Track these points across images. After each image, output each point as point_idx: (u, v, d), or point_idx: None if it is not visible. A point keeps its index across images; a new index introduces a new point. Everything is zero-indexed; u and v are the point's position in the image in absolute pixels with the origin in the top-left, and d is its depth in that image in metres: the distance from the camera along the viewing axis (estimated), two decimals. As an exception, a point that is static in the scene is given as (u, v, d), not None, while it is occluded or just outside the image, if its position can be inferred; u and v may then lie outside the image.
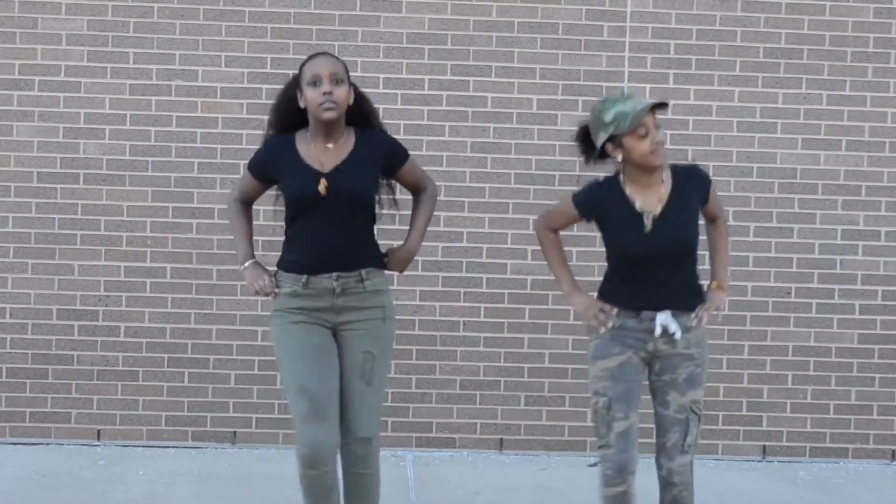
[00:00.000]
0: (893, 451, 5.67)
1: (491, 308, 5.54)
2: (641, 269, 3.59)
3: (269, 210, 4.05)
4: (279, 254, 3.81)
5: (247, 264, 3.78)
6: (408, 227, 3.95)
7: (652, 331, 3.58)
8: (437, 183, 5.43)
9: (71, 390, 5.48)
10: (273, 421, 5.48)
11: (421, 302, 5.52)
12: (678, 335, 3.58)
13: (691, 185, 3.66)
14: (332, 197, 3.63)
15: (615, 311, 3.61)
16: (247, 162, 3.90)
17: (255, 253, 3.84)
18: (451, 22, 5.50)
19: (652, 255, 3.56)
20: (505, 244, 5.51)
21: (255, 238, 3.91)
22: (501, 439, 5.59)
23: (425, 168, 5.41)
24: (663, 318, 3.57)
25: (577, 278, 3.81)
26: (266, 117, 3.91)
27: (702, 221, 3.77)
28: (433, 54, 5.50)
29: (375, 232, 3.83)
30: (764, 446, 5.64)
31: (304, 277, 3.67)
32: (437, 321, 5.54)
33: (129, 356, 5.48)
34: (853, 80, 5.59)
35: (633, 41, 5.54)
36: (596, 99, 5.37)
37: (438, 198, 5.39)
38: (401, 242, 3.91)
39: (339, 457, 3.76)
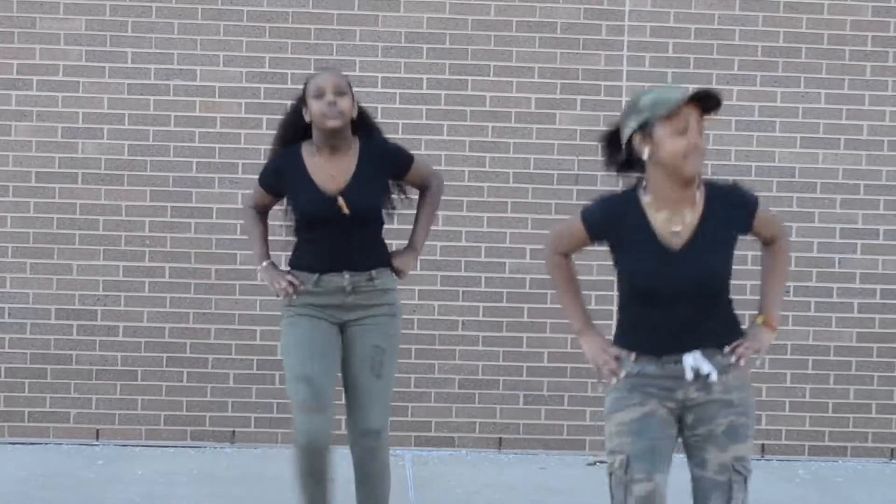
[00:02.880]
0: (892, 449, 5.66)
1: (490, 307, 5.54)
2: (660, 306, 2.96)
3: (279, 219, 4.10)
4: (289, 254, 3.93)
5: (264, 264, 3.88)
6: (412, 225, 4.05)
7: (679, 376, 2.94)
8: (436, 182, 5.49)
9: (69, 390, 5.47)
10: (272, 420, 5.48)
11: (420, 301, 5.52)
12: (713, 377, 2.94)
13: (730, 211, 3.05)
14: (341, 215, 3.73)
15: (632, 356, 2.99)
16: (257, 176, 3.99)
17: (270, 254, 3.95)
18: (449, 21, 5.49)
19: (672, 291, 2.94)
20: (503, 243, 5.51)
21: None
22: (500, 438, 5.59)
23: (424, 167, 5.49)
24: (691, 361, 2.95)
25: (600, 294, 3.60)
26: (274, 135, 4.02)
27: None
28: (431, 53, 5.50)
29: (383, 233, 3.93)
30: (763, 445, 5.63)
31: (316, 276, 3.77)
32: (436, 320, 5.54)
33: (127, 356, 5.47)
34: (852, 79, 5.59)
35: (632, 40, 5.54)
36: (594, 98, 5.47)
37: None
38: (405, 243, 4.00)
39: (337, 448, 3.84)
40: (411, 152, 4.00)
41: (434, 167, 5.41)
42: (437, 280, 5.53)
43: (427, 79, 5.50)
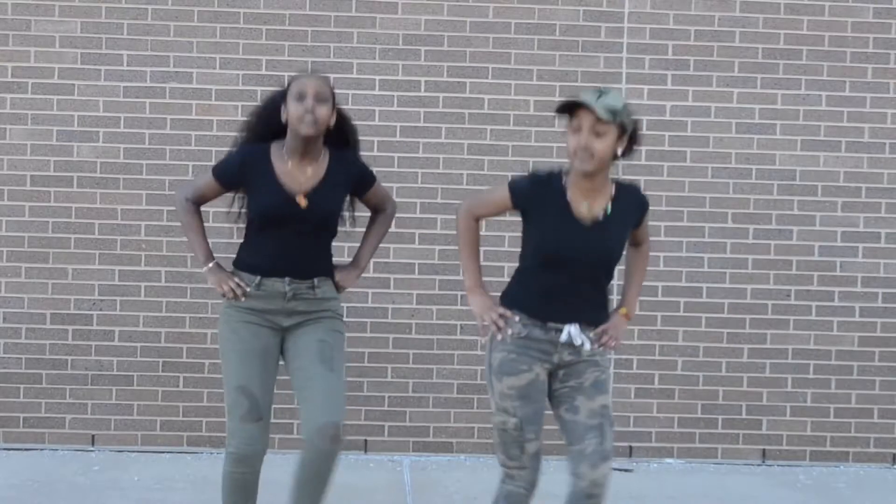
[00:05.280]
0: (894, 454, 5.63)
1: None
2: (559, 274, 3.44)
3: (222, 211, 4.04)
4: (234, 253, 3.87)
5: (210, 265, 3.82)
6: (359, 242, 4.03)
7: (557, 342, 3.46)
8: (434, 185, 5.48)
9: (65, 395, 5.44)
10: (269, 426, 5.44)
11: (418, 305, 5.49)
12: (586, 346, 3.48)
13: (631, 206, 3.54)
14: (301, 216, 3.70)
15: (517, 318, 3.49)
16: (212, 165, 3.90)
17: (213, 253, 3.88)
18: (447, 23, 5.46)
19: (575, 260, 3.43)
20: (502, 247, 5.48)
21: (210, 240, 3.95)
22: (499, 444, 5.55)
23: (421, 170, 5.47)
24: (573, 330, 3.46)
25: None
26: (244, 124, 3.94)
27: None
28: (429, 56, 5.47)
29: (332, 245, 3.89)
30: (764, 450, 5.61)
31: (258, 278, 3.74)
32: (434, 325, 5.51)
33: (123, 361, 5.44)
34: (852, 81, 5.56)
35: (631, 42, 5.51)
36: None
37: (435, 201, 5.47)
38: (349, 259, 3.99)
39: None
40: (375, 173, 3.97)
41: (432, 170, 5.46)
42: (435, 284, 5.50)
43: (425, 81, 5.47)
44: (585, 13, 5.49)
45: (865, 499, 5.13)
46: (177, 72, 5.42)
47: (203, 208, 3.91)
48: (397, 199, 3.96)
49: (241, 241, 3.85)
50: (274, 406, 5.33)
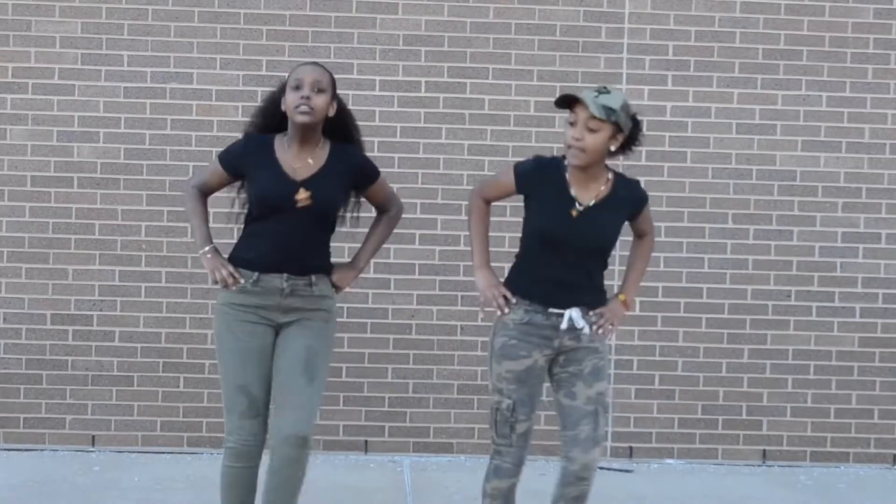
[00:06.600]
0: (894, 455, 5.63)
1: (488, 312, 5.50)
2: (553, 257, 3.60)
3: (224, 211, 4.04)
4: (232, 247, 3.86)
5: (206, 249, 3.81)
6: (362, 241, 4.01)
7: (558, 326, 3.61)
8: (435, 186, 5.47)
9: (65, 396, 5.44)
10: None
11: (418, 306, 5.49)
12: (586, 331, 3.63)
13: (627, 198, 3.69)
14: (300, 205, 3.68)
15: (515, 300, 3.65)
16: (218, 152, 3.89)
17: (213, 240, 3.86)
18: (447, 23, 5.46)
19: (567, 243, 3.58)
20: (502, 247, 5.47)
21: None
22: (499, 444, 5.55)
23: (422, 171, 5.47)
24: (574, 314, 3.61)
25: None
26: (249, 118, 3.95)
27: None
28: (430, 56, 5.47)
29: (331, 241, 3.87)
30: (764, 451, 5.61)
31: (255, 275, 3.73)
32: (435, 325, 5.51)
33: (123, 361, 5.44)
34: (853, 82, 5.56)
35: (632, 42, 5.51)
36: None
37: (436, 201, 5.47)
38: (349, 260, 3.97)
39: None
40: (379, 170, 3.94)
41: (432, 171, 5.46)
42: (435, 285, 5.50)
43: (425, 81, 5.47)
44: (586, 13, 5.49)
45: (866, 499, 5.12)
46: (177, 72, 5.42)
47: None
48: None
49: (239, 238, 3.84)
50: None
